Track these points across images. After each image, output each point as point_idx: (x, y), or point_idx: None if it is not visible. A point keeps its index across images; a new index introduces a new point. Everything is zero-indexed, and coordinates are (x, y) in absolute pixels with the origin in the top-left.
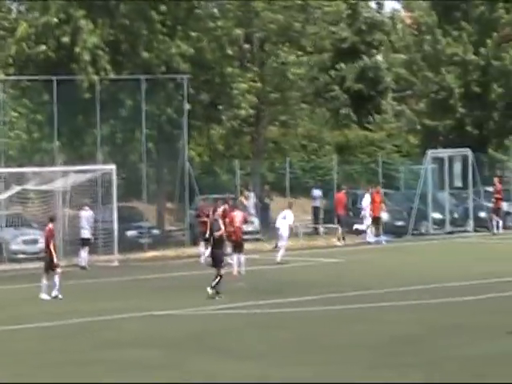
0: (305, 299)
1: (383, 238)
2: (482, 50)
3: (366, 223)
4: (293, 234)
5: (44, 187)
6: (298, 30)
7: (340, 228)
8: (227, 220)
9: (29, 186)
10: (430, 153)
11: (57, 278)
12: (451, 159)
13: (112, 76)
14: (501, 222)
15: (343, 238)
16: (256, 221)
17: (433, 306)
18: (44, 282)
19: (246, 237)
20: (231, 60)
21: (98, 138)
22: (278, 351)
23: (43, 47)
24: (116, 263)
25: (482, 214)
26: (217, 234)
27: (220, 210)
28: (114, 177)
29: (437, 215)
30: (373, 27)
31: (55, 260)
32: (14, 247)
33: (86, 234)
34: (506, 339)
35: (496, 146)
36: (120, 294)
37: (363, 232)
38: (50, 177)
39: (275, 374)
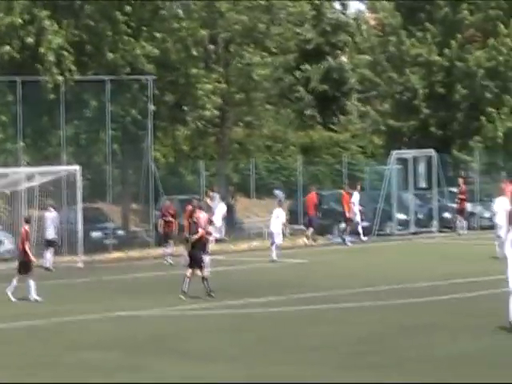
0: (270, 300)
1: (348, 238)
2: (446, 51)
3: (356, 220)
4: (259, 234)
5: (8, 188)
6: (262, 31)
7: (311, 228)
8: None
9: None
10: (395, 153)
11: (32, 281)
12: (415, 160)
13: (77, 77)
14: (465, 223)
15: (313, 239)
16: (219, 221)
17: (397, 307)
18: (14, 283)
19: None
20: (196, 61)
21: (63, 138)
22: (245, 352)
23: (7, 48)
24: (81, 264)
25: (447, 215)
26: (195, 235)
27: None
28: (79, 178)
29: (401, 216)
30: (337, 28)
31: (33, 261)
32: None
33: (50, 235)
34: (468, 340)
35: (460, 147)
36: (85, 296)
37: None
38: (14, 178)
39: (244, 375)
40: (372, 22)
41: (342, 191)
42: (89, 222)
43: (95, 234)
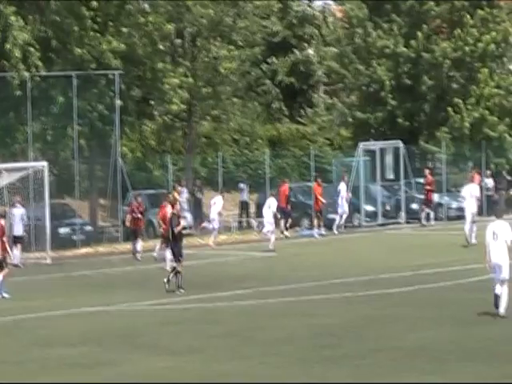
0: (238, 293)
1: (316, 231)
2: (413, 42)
3: (340, 212)
4: (226, 228)
5: None
6: (228, 25)
7: (284, 220)
8: (160, 215)
9: None
10: (362, 145)
11: (1, 277)
12: (383, 151)
13: (43, 73)
14: (432, 214)
15: (286, 229)
16: (189, 216)
17: (364, 298)
18: None
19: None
20: (163, 55)
21: (30, 135)
22: (213, 346)
23: None
24: (49, 260)
25: (414, 206)
26: (178, 227)
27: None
28: (46, 174)
29: (369, 207)
30: (304, 21)
31: (8, 257)
32: None
33: (18, 231)
34: (433, 331)
35: (427, 138)
36: (53, 291)
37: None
38: None
39: (211, 368)
40: (338, 15)
41: (314, 183)
42: (56, 217)
43: (63, 230)
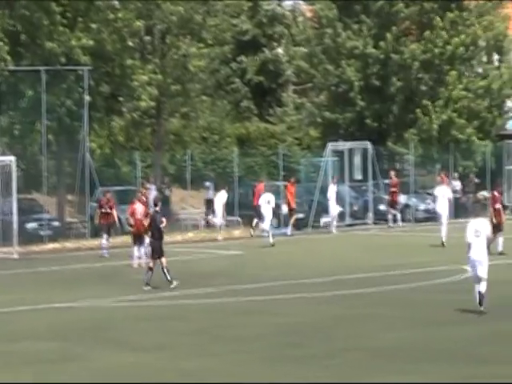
0: (204, 291)
1: (285, 229)
2: (382, 43)
3: (332, 214)
4: (194, 226)
5: None
6: (198, 23)
7: (256, 219)
8: (129, 212)
9: None
10: (330, 145)
11: None
12: (351, 152)
13: (11, 67)
14: (398, 215)
15: (253, 229)
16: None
17: (331, 298)
18: None
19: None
20: (132, 52)
21: None
22: (181, 343)
23: None
24: (16, 255)
25: (382, 207)
26: (162, 224)
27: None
28: (14, 168)
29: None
30: (273, 20)
31: None
32: None
33: None
34: (400, 331)
35: (395, 139)
36: (20, 287)
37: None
38: None
39: (179, 365)
40: (308, 14)
41: (287, 183)
42: (24, 213)
43: (30, 225)
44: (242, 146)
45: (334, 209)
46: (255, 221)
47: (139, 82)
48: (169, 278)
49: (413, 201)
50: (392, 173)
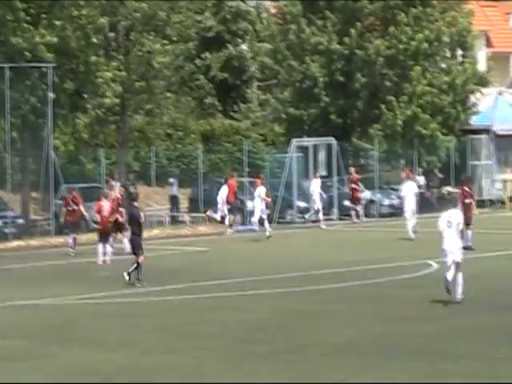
0: (169, 288)
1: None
2: (346, 39)
3: (316, 207)
4: (159, 223)
5: None
6: (162, 19)
7: (231, 215)
8: (95, 209)
9: None
10: (295, 141)
11: None
12: (316, 148)
13: None
14: (361, 211)
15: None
16: (122, 210)
17: (295, 294)
18: None
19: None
20: (96, 49)
21: None
22: (145, 340)
23: None
24: None
25: (347, 203)
26: (141, 219)
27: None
28: None
29: (302, 204)
30: (238, 16)
31: None
32: None
33: None
34: (366, 327)
35: (360, 135)
36: None
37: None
38: None
39: (143, 362)
40: (272, 10)
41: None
42: None
43: None
44: (207, 142)
45: (319, 203)
46: (232, 217)
47: (103, 78)
48: (140, 276)
49: (377, 196)
50: (352, 169)
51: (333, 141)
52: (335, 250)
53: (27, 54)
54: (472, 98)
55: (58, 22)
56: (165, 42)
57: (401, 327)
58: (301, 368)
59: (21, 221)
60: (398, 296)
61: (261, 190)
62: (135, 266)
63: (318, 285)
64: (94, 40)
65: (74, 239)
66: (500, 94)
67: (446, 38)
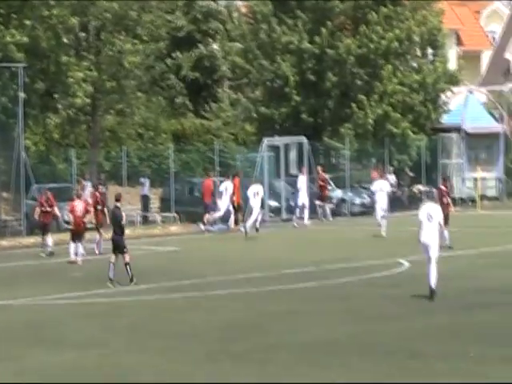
0: (141, 288)
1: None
2: (317, 38)
3: (302, 203)
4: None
5: None
6: (133, 19)
7: (208, 215)
8: (68, 209)
9: None
10: (266, 141)
11: None
12: (287, 147)
13: None
14: (328, 210)
15: (204, 224)
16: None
17: (267, 293)
18: None
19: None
20: (67, 49)
21: None
22: (116, 339)
23: None
24: None
25: (317, 202)
26: (122, 221)
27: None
28: None
29: (273, 203)
30: (209, 16)
31: None
32: None
33: None
34: (337, 326)
35: (331, 134)
36: None
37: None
38: None
39: (114, 361)
40: (243, 10)
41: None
42: None
43: None
44: (178, 142)
45: (305, 200)
46: (206, 216)
47: (74, 78)
48: (130, 274)
49: (349, 195)
50: (319, 168)
51: (304, 140)
52: (307, 249)
53: None
54: (443, 97)
55: (28, 22)
56: (135, 41)
57: (371, 326)
58: (271, 367)
59: None
60: (369, 295)
61: (257, 188)
62: (113, 267)
63: (290, 284)
64: (65, 40)
65: (46, 240)
66: (471, 92)
67: (416, 37)
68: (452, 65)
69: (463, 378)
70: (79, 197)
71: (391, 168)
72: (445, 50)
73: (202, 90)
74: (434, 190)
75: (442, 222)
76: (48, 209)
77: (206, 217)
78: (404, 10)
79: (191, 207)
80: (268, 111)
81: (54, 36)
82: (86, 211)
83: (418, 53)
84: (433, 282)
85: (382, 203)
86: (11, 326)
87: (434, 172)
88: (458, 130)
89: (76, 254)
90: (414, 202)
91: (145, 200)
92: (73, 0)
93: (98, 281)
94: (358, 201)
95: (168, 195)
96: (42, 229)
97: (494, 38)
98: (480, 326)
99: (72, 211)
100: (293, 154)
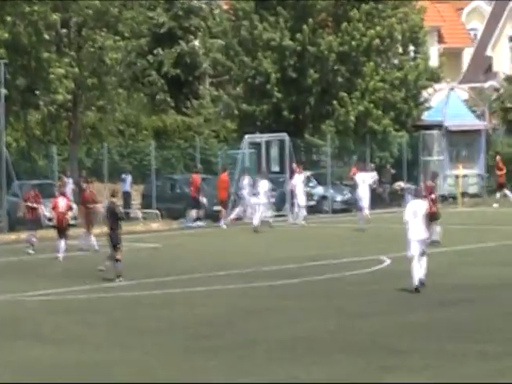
0: (122, 284)
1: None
2: (299, 35)
3: (300, 204)
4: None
5: None
6: (114, 15)
7: (195, 210)
8: (51, 205)
9: None
10: (247, 137)
11: None
12: (268, 144)
13: None
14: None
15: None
16: (75, 207)
17: (247, 290)
18: None
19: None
20: (48, 45)
21: None
22: (95, 335)
23: None
24: None
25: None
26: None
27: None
28: None
29: (254, 200)
30: (190, 12)
31: None
32: None
33: None
34: (316, 322)
35: (312, 131)
36: None
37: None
38: None
39: (92, 357)
40: (225, 7)
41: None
42: None
43: None
44: (159, 138)
45: (302, 199)
46: (194, 211)
47: (55, 75)
48: (118, 271)
49: (330, 192)
50: (294, 166)
51: (285, 137)
52: (287, 246)
53: None
54: (424, 94)
55: (9, 18)
56: (117, 38)
57: (350, 323)
58: (249, 363)
59: None
60: (349, 292)
61: (264, 184)
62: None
63: (269, 281)
64: (46, 36)
65: (31, 236)
66: (452, 89)
67: (398, 34)
68: (433, 62)
69: (440, 374)
70: (63, 194)
71: (373, 165)
72: (426, 47)
73: (183, 87)
74: (418, 186)
75: (425, 217)
76: (34, 205)
77: (192, 212)
78: (385, 7)
79: (172, 204)
80: (249, 108)
81: (35, 32)
82: (69, 208)
83: (400, 50)
84: (422, 273)
85: (363, 195)
86: None
87: (416, 169)
88: (439, 127)
89: (58, 251)
90: (396, 199)
91: (126, 196)
92: None
93: (78, 276)
94: (339, 198)
95: (149, 192)
96: (29, 225)
97: (475, 36)
98: (456, 323)
99: (54, 208)
100: (274, 151)
